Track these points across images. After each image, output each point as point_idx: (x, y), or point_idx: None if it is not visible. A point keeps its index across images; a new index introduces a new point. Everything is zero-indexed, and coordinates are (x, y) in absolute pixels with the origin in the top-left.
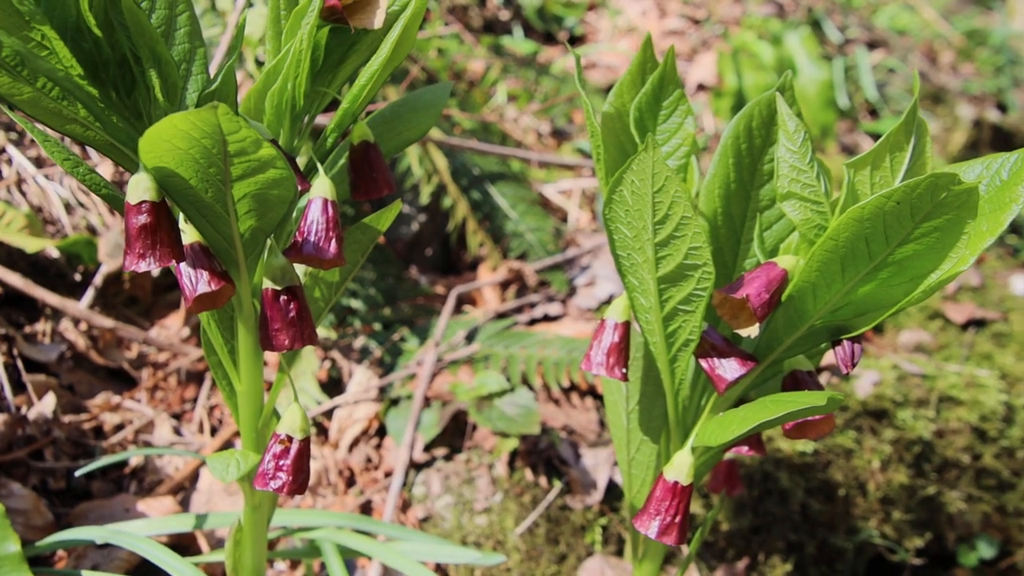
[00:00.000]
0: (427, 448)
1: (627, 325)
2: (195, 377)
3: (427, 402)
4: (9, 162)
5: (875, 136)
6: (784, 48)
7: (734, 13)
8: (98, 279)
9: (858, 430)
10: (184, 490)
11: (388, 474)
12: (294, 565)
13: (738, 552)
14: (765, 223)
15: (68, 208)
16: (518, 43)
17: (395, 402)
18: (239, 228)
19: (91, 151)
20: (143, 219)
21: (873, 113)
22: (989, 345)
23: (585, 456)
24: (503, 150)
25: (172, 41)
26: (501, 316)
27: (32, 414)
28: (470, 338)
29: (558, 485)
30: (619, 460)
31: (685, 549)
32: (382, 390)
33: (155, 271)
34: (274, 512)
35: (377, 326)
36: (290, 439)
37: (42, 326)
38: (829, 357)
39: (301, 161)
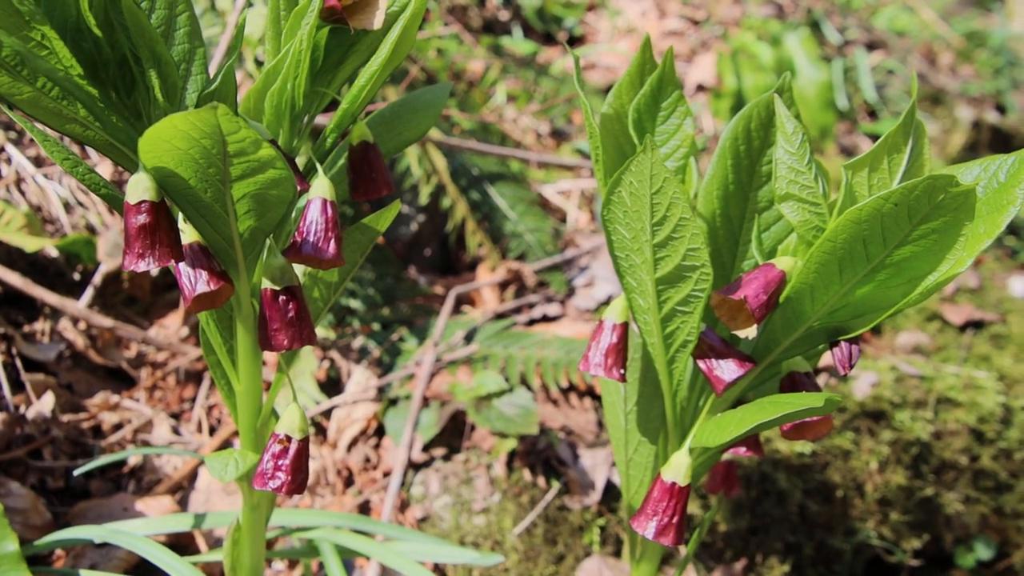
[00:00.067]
0: (425, 448)
1: (625, 326)
2: (194, 377)
3: (426, 402)
4: (8, 161)
5: (874, 137)
6: (783, 49)
7: (733, 14)
8: (97, 278)
9: (856, 431)
10: (182, 489)
11: (386, 474)
12: (292, 565)
13: (736, 553)
14: (763, 224)
15: (67, 207)
16: (517, 43)
17: (394, 402)
18: (238, 228)
19: (90, 151)
20: (142, 219)
21: (872, 114)
22: (987, 347)
23: (583, 457)
24: (502, 150)
25: (172, 41)
26: (500, 316)
27: (31, 413)
28: (469, 338)
29: (556, 485)
30: (617, 461)
31: (683, 550)
32: (381, 390)
33: (154, 271)
34: (272, 512)
35: (376, 326)
36: (289, 439)
37: (41, 325)
38: (827, 358)
39: (300, 161)
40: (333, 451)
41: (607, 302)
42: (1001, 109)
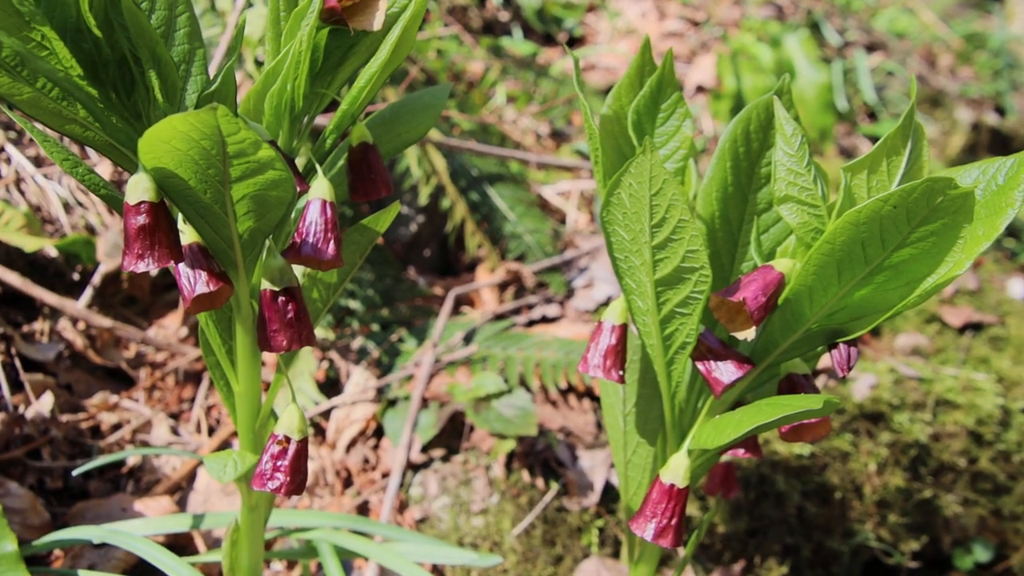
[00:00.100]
0: (424, 449)
1: (624, 327)
2: (193, 377)
3: (425, 403)
4: (8, 161)
5: (873, 139)
6: (783, 50)
7: (733, 15)
8: (96, 278)
9: (855, 433)
10: (181, 490)
11: (385, 475)
12: (291, 566)
13: (734, 554)
14: (762, 226)
15: (67, 207)
16: (517, 44)
17: (393, 403)
18: (238, 229)
19: (90, 151)
20: (142, 220)
21: (872, 116)
22: (986, 349)
23: (582, 458)
24: (502, 151)
25: (172, 42)
26: (499, 317)
27: (30, 413)
28: (468, 339)
29: (555, 487)
30: (616, 462)
31: (681, 551)
32: (380, 391)
33: (153, 271)
34: (271, 512)
35: (375, 327)
36: (288, 440)
37: (40, 325)
38: (826, 360)
39: (300, 162)
40: (332, 452)
41: (606, 303)
42: (1000, 111)
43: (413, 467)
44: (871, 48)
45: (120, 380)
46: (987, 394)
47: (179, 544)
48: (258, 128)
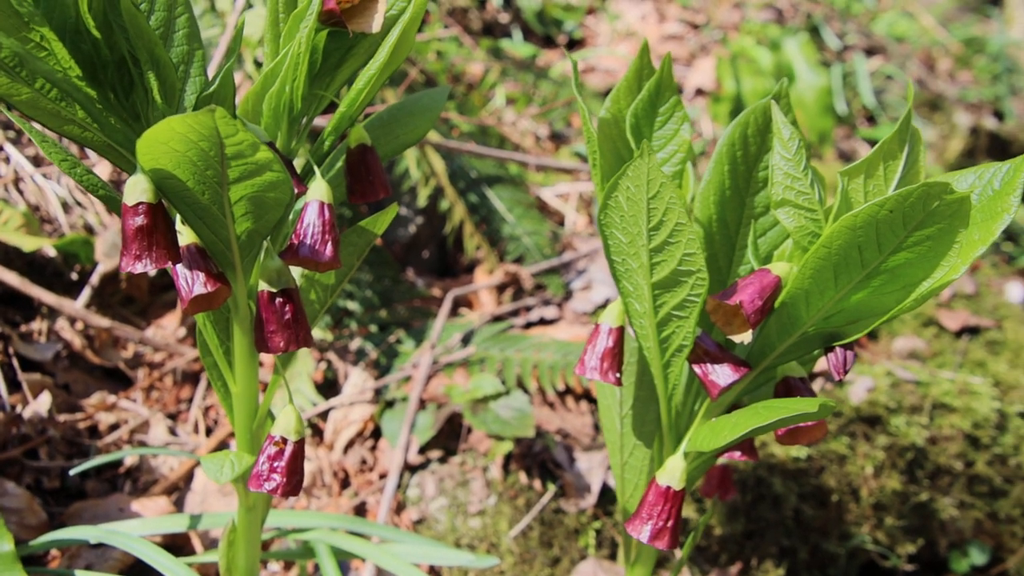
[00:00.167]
0: (422, 450)
1: (621, 330)
2: (191, 377)
3: (422, 404)
4: (7, 160)
5: (872, 142)
6: (783, 54)
7: (733, 18)
8: (95, 278)
9: (851, 436)
10: (179, 490)
11: (383, 476)
12: (288, 566)
13: (731, 557)
14: (760, 230)
15: (65, 207)
16: (517, 46)
17: (390, 404)
18: (235, 230)
19: (89, 151)
20: (140, 220)
21: (871, 119)
22: (983, 352)
23: (579, 460)
24: (501, 153)
25: (170, 43)
26: (497, 319)
27: (27, 413)
28: (466, 341)
29: (552, 488)
30: (612, 464)
31: (678, 553)
32: (378, 392)
33: (151, 272)
34: (268, 513)
35: (373, 328)
36: (284, 441)
37: (38, 325)
38: (822, 363)
39: (298, 163)
40: (329, 453)
41: (604, 305)
42: (999, 115)
43: (410, 468)
44: (870, 52)
45: (118, 380)
46: (983, 398)
47: (176, 544)
48: (256, 130)
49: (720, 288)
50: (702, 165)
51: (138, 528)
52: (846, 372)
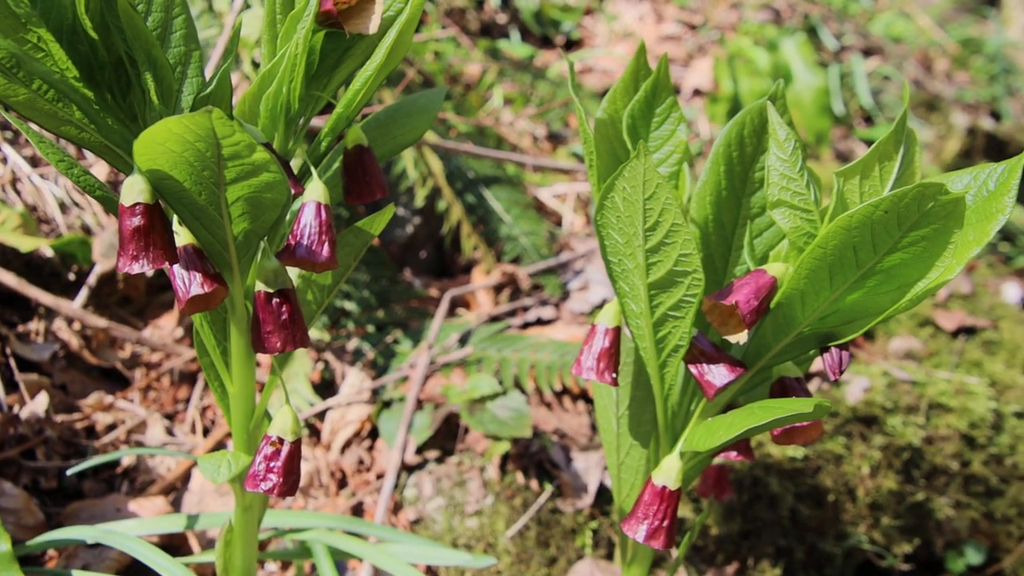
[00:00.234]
0: (419, 450)
1: (617, 330)
2: (188, 378)
3: (419, 404)
4: (4, 161)
5: (869, 143)
6: (780, 54)
7: (730, 19)
8: (92, 279)
9: (848, 436)
10: (176, 490)
11: (380, 476)
12: (285, 566)
13: (727, 556)
14: (755, 230)
15: (63, 207)
16: (515, 47)
17: (387, 404)
18: (232, 231)
19: (86, 152)
20: (137, 221)
21: (868, 120)
22: (979, 352)
23: (576, 460)
24: (498, 154)
25: (168, 44)
26: (494, 319)
27: (24, 413)
28: (463, 341)
29: (549, 488)
30: (609, 464)
31: (674, 553)
32: (375, 392)
33: (149, 272)
34: (265, 513)
35: (370, 328)
36: (281, 441)
37: (35, 325)
38: (818, 363)
39: (295, 164)
40: (327, 453)
41: (601, 306)
42: (996, 116)
43: (408, 468)
44: (868, 52)
45: (115, 380)
46: (980, 398)
47: (173, 544)
48: (253, 131)
49: (716, 288)
50: (700, 165)
51: (135, 528)
52: (841, 372)
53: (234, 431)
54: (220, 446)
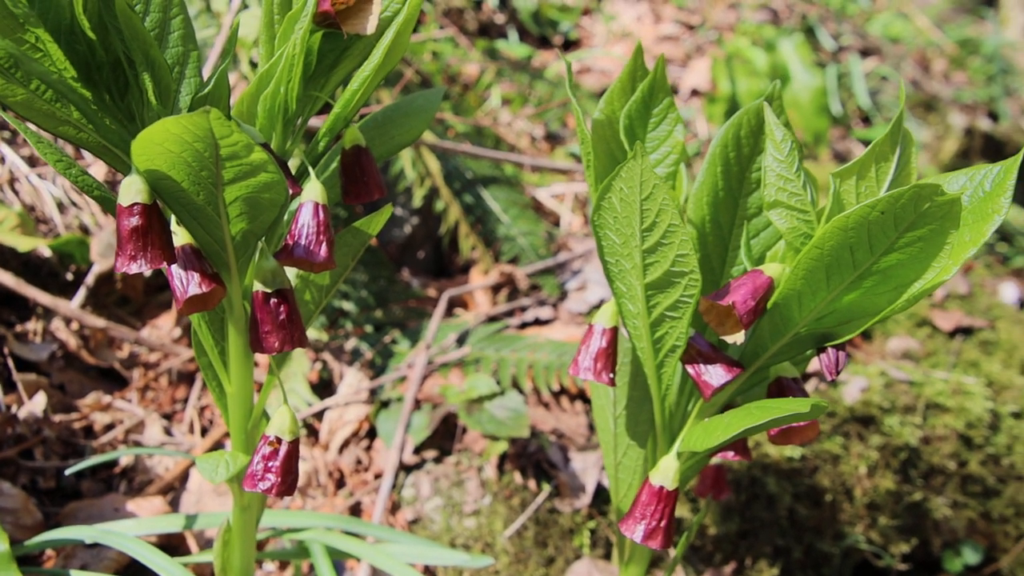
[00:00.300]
0: (417, 450)
1: (615, 331)
2: (186, 377)
3: (417, 404)
4: (2, 160)
5: (867, 143)
6: (778, 55)
7: (728, 19)
8: (90, 279)
9: (845, 436)
10: (174, 490)
11: (378, 476)
12: (283, 566)
13: (725, 556)
14: (752, 231)
15: (61, 207)
16: (513, 47)
17: (385, 404)
18: (230, 231)
19: (84, 152)
20: (135, 221)
21: (866, 120)
22: (976, 353)
23: (574, 460)
24: (496, 154)
25: (166, 44)
26: (492, 319)
27: (22, 413)
28: (461, 341)
29: (547, 488)
30: (606, 464)
31: (672, 552)
32: (373, 392)
33: (147, 272)
34: (263, 513)
35: (368, 328)
36: (279, 440)
37: (33, 325)
38: (815, 363)
39: (293, 164)
40: (325, 453)
41: (599, 306)
42: (994, 116)
43: (406, 468)
44: (865, 53)
45: (113, 380)
46: (977, 398)
47: (171, 544)
48: (251, 131)
49: (713, 289)
50: (697, 165)
51: (133, 528)
52: (838, 372)
53: (232, 431)
54: (218, 446)
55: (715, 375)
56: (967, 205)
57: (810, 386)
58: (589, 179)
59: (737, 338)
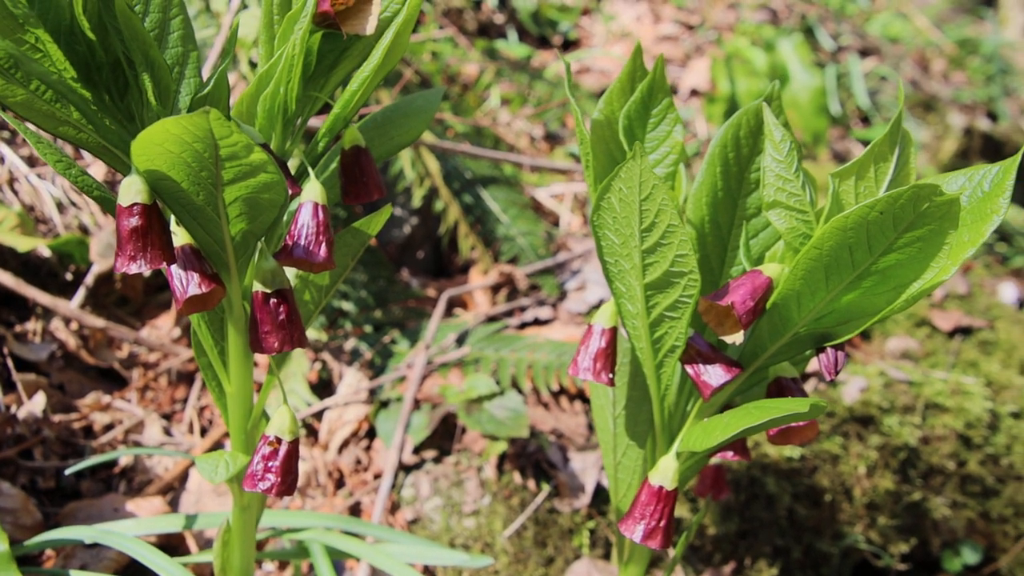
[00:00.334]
0: (416, 450)
1: (614, 331)
2: (185, 377)
3: (417, 404)
4: (1, 160)
5: (866, 143)
6: (777, 55)
7: (728, 19)
8: (89, 279)
9: (844, 436)
10: (173, 490)
11: (377, 476)
12: (282, 566)
13: (724, 556)
14: (752, 231)
15: (60, 207)
16: (512, 47)
17: (385, 404)
18: (230, 231)
19: (84, 152)
20: (134, 221)
21: (865, 120)
22: (975, 353)
23: (573, 460)
24: (495, 154)
25: (165, 45)
26: (491, 319)
27: (22, 413)
28: (460, 341)
29: (546, 488)
30: (606, 464)
31: (672, 552)
32: (372, 392)
33: (146, 273)
34: (263, 513)
35: (368, 328)
36: (279, 440)
37: (33, 325)
38: (815, 363)
39: (293, 164)
40: (324, 453)
41: (599, 306)
42: (993, 116)
43: (405, 468)
44: (865, 53)
45: (113, 380)
46: (976, 398)
47: (171, 544)
48: (251, 131)
49: (712, 289)
50: (697, 165)
51: (133, 528)
52: (837, 372)
53: (232, 431)
54: (218, 446)
55: (714, 375)
56: (966, 205)
57: (809, 386)
58: (588, 179)
59: (736, 338)
